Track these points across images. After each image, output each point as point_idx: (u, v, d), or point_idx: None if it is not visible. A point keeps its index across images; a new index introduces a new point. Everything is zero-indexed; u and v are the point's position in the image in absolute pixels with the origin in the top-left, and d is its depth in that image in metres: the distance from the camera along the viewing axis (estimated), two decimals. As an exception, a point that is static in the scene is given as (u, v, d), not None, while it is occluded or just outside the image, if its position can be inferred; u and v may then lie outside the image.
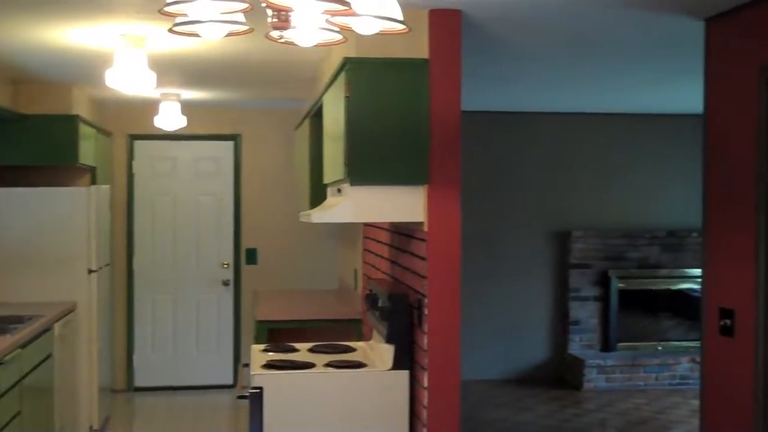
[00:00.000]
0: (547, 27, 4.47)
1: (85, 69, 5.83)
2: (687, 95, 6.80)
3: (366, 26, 2.38)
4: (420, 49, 4.06)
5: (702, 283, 4.26)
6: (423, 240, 4.14)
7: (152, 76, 4.79)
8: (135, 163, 8.45)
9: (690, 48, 4.58)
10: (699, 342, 4.33)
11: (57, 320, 5.90)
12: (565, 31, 4.59)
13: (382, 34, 2.47)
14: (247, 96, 7.52)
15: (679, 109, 8.11)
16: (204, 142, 8.51)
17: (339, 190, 4.44)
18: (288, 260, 8.47)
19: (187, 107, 7.51)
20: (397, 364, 4.28)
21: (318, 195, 5.61)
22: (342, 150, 4.10)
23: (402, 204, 4.12)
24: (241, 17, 2.52)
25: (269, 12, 2.42)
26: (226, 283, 8.51)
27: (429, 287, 4.07)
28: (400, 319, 4.29)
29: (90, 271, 6.61)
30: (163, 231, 8.46)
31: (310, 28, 2.48)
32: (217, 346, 8.53)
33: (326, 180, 4.90)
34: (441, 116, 4.06)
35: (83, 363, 6.63)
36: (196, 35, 2.58)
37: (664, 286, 8.91)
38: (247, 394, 4.18)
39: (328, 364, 4.43)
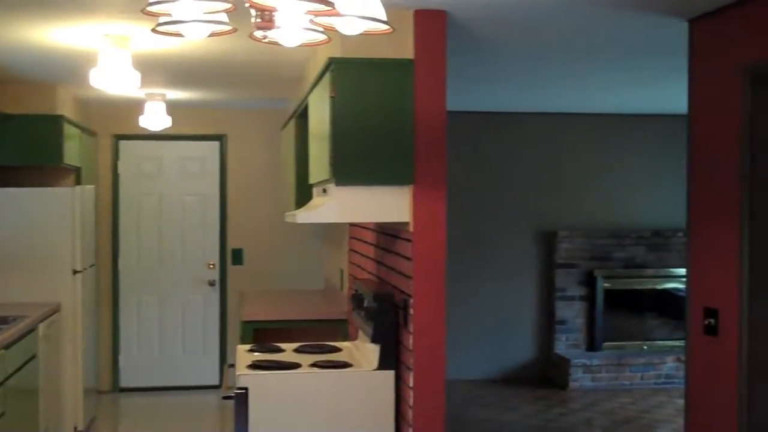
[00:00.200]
0: (533, 27, 4.47)
1: (70, 69, 5.81)
2: (672, 95, 6.83)
3: (350, 26, 2.37)
4: (405, 49, 4.06)
5: (687, 283, 4.27)
6: (408, 240, 4.14)
7: (137, 75, 4.78)
8: (120, 164, 8.42)
9: (674, 48, 4.60)
10: (684, 341, 4.35)
11: (41, 321, 5.87)
12: (550, 32, 4.60)
13: (366, 35, 2.47)
14: (233, 96, 7.51)
15: (664, 109, 8.14)
16: (189, 142, 8.48)
17: (324, 190, 4.44)
18: (274, 260, 8.46)
19: (173, 107, 7.49)
20: (383, 364, 4.28)
21: (304, 195, 5.61)
22: (327, 150, 4.10)
23: (387, 204, 4.13)
24: (224, 17, 2.52)
25: (253, 12, 2.41)
26: (212, 284, 8.49)
27: (414, 287, 4.07)
28: (386, 319, 4.29)
29: (75, 272, 6.58)
30: (149, 231, 8.43)
31: (294, 28, 2.48)
32: (203, 347, 8.51)
33: (312, 180, 4.89)
34: (426, 116, 4.06)
35: (68, 364, 6.60)
36: (180, 35, 2.58)
37: (649, 286, 8.94)
38: (232, 395, 4.18)
39: (314, 364, 4.43)
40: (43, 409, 5.90)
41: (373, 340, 4.32)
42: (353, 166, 4.04)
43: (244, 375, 4.22)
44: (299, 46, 2.60)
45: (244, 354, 4.77)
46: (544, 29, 4.53)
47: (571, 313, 8.79)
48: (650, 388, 8.39)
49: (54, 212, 6.52)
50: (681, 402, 4.79)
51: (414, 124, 4.05)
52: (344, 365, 4.42)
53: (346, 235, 6.51)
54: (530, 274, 8.86)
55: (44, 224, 6.51)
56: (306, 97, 5.09)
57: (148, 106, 7.08)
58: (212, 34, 2.60)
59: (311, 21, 2.42)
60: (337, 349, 4.87)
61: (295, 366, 4.38)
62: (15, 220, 6.48)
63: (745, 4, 3.75)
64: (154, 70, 5.81)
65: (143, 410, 8.01)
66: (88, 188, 7.16)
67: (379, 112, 4.05)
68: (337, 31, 2.42)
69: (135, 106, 7.57)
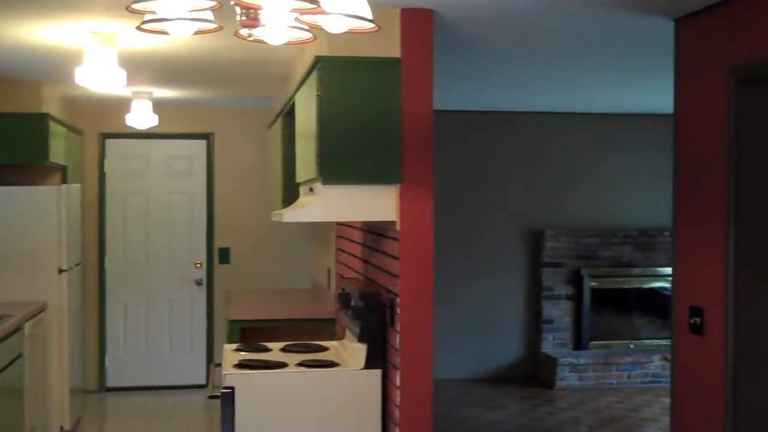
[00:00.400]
0: (520, 26, 4.48)
1: (56, 67, 5.78)
2: (658, 95, 6.84)
3: (335, 25, 2.37)
4: (392, 48, 4.06)
5: (672, 282, 4.29)
6: (395, 239, 4.14)
7: (123, 74, 4.76)
8: (106, 162, 8.39)
9: (660, 48, 4.61)
10: (670, 340, 4.36)
11: (27, 320, 5.85)
12: (537, 31, 4.61)
13: (352, 33, 2.47)
14: (220, 94, 7.49)
15: (651, 108, 8.16)
16: (176, 140, 8.46)
17: (311, 189, 4.43)
18: (261, 259, 8.45)
19: (159, 105, 7.46)
20: (370, 364, 4.27)
21: (290, 194, 5.60)
22: (314, 149, 4.09)
23: (374, 203, 4.12)
24: (209, 15, 2.51)
25: (238, 10, 2.41)
26: (198, 283, 8.47)
27: (401, 286, 4.07)
28: (373, 319, 4.29)
29: (61, 271, 6.55)
30: (136, 230, 8.40)
31: (279, 26, 2.47)
32: (190, 346, 8.49)
33: (299, 179, 4.89)
34: (413, 115, 4.06)
35: (54, 363, 6.57)
36: (165, 33, 2.57)
37: (636, 285, 8.97)
38: (219, 394, 4.16)
39: (301, 364, 4.42)
40: (29, 408, 5.87)
41: (360, 340, 4.31)
42: (340, 164, 4.04)
43: (230, 374, 4.21)
44: (285, 44, 2.59)
45: (230, 353, 4.76)
46: (531, 28, 4.54)
47: (558, 312, 8.81)
48: (637, 386, 8.41)
49: (40, 211, 6.50)
50: (667, 401, 4.81)
51: (401, 122, 4.04)
52: (331, 364, 4.41)
53: (333, 234, 6.50)
54: (517, 273, 8.87)
55: (30, 223, 6.49)
56: (293, 96, 5.09)
57: (135, 105, 7.06)
58: (197, 32, 2.59)
59: (296, 19, 2.41)
60: (324, 349, 4.86)
61: (281, 365, 4.37)
62: (0, 219, 6.45)
63: (732, 4, 3.76)
64: (140, 68, 5.79)
65: (130, 410, 7.98)
66: (75, 187, 7.13)
67: (365, 111, 4.04)
68: (322, 29, 2.42)
69: (121, 105, 7.54)
